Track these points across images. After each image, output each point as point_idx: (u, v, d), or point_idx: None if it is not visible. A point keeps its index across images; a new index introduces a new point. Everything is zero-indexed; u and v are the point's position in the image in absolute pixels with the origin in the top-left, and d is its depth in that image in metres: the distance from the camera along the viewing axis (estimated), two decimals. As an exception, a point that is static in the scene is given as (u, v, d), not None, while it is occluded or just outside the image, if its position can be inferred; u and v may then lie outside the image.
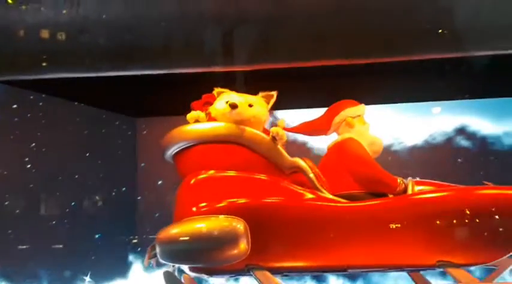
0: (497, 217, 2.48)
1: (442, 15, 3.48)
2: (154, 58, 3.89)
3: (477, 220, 2.48)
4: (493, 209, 2.48)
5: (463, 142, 5.13)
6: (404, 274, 2.85)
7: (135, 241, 5.26)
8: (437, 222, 2.50)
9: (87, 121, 5.06)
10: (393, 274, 3.20)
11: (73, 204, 4.72)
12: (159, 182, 5.40)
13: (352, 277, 4.44)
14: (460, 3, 3.42)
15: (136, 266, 5.21)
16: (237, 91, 2.84)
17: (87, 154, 4.93)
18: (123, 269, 5.17)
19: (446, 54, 3.99)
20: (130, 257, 5.23)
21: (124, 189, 5.29)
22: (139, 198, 5.48)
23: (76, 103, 4.91)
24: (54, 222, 4.60)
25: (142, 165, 5.58)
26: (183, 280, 2.74)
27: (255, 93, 2.79)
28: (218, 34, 3.59)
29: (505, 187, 2.62)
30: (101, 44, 3.66)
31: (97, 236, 4.88)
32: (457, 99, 5.24)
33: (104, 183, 5.15)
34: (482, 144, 5.15)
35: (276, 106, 2.78)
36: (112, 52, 3.74)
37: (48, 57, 3.75)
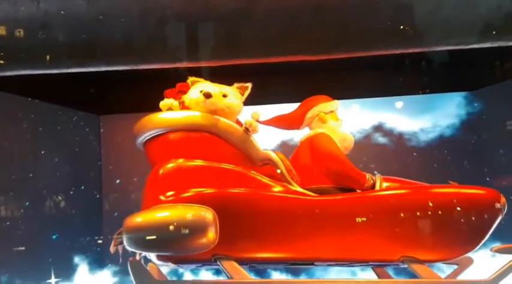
0: (459, 216, 2.54)
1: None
2: (117, 54, 3.83)
3: (440, 218, 2.54)
4: (456, 208, 2.54)
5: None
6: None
7: (100, 241, 5.17)
8: (402, 218, 2.55)
9: (46, 118, 4.89)
10: (336, 268, 3.23)
11: (27, 204, 4.53)
12: (117, 181, 5.32)
13: (295, 272, 4.48)
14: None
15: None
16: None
17: (43, 152, 4.80)
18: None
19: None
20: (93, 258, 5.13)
21: (83, 187, 5.18)
22: (98, 196, 5.37)
23: (31, 99, 4.74)
24: (8, 223, 4.40)
25: (100, 163, 5.49)
26: (148, 269, 2.71)
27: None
28: (184, 29, 3.56)
29: (468, 186, 2.69)
30: (62, 40, 3.58)
31: (54, 236, 4.72)
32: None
33: (65, 181, 5.02)
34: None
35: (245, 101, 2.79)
36: (74, 48, 3.67)
37: (8, 53, 3.66)
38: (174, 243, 2.36)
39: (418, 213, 2.55)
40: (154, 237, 2.35)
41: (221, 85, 2.77)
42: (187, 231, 2.33)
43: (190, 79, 2.81)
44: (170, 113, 2.66)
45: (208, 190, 2.46)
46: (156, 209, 2.39)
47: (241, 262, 2.50)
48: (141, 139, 2.74)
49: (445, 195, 2.62)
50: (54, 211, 4.92)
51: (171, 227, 2.32)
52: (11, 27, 3.47)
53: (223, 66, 3.93)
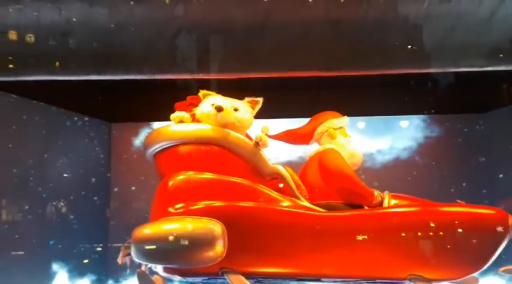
0: (467, 235, 2.54)
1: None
2: (135, 63, 3.88)
3: (448, 237, 2.54)
4: (464, 227, 2.54)
5: None
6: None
7: (99, 248, 5.15)
8: (410, 236, 2.55)
9: (58, 123, 4.93)
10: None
11: (26, 207, 4.50)
12: (133, 188, 5.31)
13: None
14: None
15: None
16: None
17: (47, 156, 4.79)
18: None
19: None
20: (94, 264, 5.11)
21: (91, 194, 5.18)
22: (104, 204, 5.36)
23: (44, 104, 4.78)
24: (6, 226, 4.38)
25: (110, 174, 5.49)
26: (155, 281, 2.72)
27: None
28: (200, 42, 3.60)
29: (476, 206, 2.69)
30: (82, 48, 3.64)
31: (51, 242, 4.70)
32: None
33: (73, 186, 5.01)
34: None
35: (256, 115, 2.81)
36: (93, 56, 3.72)
37: (27, 58, 3.72)
38: (182, 255, 2.37)
39: (426, 232, 2.55)
40: (162, 249, 2.37)
41: (232, 99, 2.80)
42: (195, 244, 2.34)
43: (202, 92, 2.84)
44: (181, 126, 2.68)
45: (217, 203, 2.48)
46: (164, 221, 2.40)
47: (248, 276, 2.50)
48: (151, 150, 2.76)
49: (454, 214, 2.61)
50: (55, 216, 4.87)
51: (179, 239, 2.33)
52: (31, 32, 3.51)
53: (236, 79, 3.95)
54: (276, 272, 2.58)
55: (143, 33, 3.58)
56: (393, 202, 2.78)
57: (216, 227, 2.35)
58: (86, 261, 5.02)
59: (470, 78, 4.36)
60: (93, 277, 5.08)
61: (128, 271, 2.71)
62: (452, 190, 4.96)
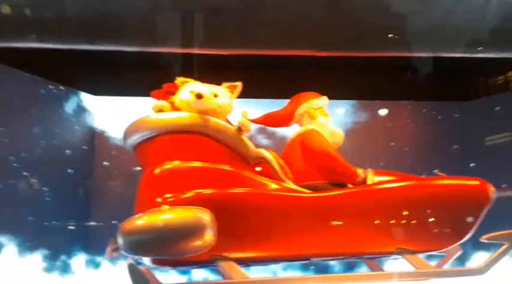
0: (452, 206, 2.62)
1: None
2: (127, 34, 3.76)
3: (434, 210, 2.60)
4: (448, 199, 2.62)
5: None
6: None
7: (71, 227, 4.99)
8: (396, 211, 2.61)
9: (41, 94, 4.67)
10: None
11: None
12: (104, 163, 5.12)
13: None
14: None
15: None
16: (199, 78, 2.81)
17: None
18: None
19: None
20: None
21: (71, 171, 4.94)
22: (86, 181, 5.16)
23: (28, 74, 4.53)
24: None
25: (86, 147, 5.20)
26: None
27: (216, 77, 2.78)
28: (196, 17, 3.52)
29: (458, 177, 2.77)
30: (72, 16, 3.50)
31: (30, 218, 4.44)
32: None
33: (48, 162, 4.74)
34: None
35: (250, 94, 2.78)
36: (84, 25, 3.58)
37: (16, 26, 3.57)
38: (172, 246, 2.33)
39: (411, 206, 2.61)
40: (151, 240, 2.34)
41: (211, 85, 2.75)
42: (184, 234, 2.32)
43: (179, 79, 2.78)
44: (161, 115, 2.63)
45: (206, 191, 2.45)
46: (152, 212, 2.36)
47: (240, 262, 2.51)
48: (131, 141, 2.70)
49: (437, 186, 2.69)
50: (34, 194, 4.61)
51: (168, 230, 2.31)
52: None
53: (231, 55, 3.88)
54: (266, 256, 2.59)
55: (137, 4, 3.45)
56: (376, 178, 2.82)
57: (204, 215, 2.33)
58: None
59: (450, 65, 4.40)
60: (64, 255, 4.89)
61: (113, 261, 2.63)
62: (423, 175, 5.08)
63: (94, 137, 5.21)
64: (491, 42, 3.77)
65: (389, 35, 3.62)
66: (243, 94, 2.79)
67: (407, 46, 3.90)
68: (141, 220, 2.36)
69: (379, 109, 5.31)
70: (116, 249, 2.52)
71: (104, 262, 4.56)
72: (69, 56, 4.45)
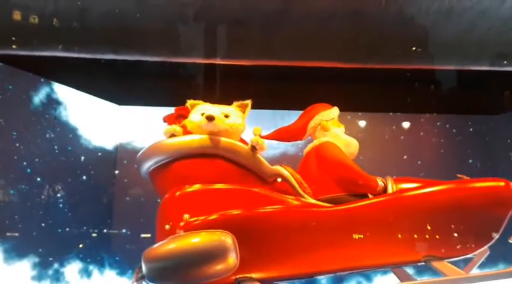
0: (478, 210, 2.56)
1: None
2: (151, 45, 3.78)
3: (460, 214, 2.55)
4: (474, 202, 2.56)
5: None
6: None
7: (94, 235, 4.97)
8: (421, 219, 2.55)
9: (65, 103, 4.68)
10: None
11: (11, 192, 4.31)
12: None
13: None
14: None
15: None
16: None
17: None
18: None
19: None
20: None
21: (91, 176, 4.90)
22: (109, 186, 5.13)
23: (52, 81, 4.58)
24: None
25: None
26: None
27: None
28: (220, 28, 3.53)
29: (481, 179, 2.70)
30: (98, 26, 3.53)
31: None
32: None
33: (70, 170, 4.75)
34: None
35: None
36: (110, 35, 3.61)
37: (42, 35, 3.61)
38: (196, 271, 2.31)
39: (437, 212, 2.55)
40: (175, 267, 2.31)
41: (221, 105, 2.74)
42: (208, 258, 2.29)
43: (189, 102, 2.78)
44: (175, 139, 2.61)
45: (227, 214, 2.42)
46: (175, 238, 2.34)
47: (265, 282, 2.47)
48: (146, 168, 2.69)
49: (462, 190, 2.63)
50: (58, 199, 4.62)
51: (192, 255, 2.29)
52: (49, 10, 3.40)
53: (252, 66, 3.88)
54: (291, 273, 2.55)
55: (161, 15, 3.47)
56: (397, 186, 2.77)
57: (227, 239, 2.30)
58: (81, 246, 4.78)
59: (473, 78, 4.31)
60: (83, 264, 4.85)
61: None
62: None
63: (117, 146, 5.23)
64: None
65: (413, 48, 3.58)
66: (263, 106, 2.76)
67: (431, 59, 3.85)
68: (162, 248, 2.34)
69: (399, 122, 5.29)
70: (142, 278, 2.49)
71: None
72: (93, 65, 4.48)
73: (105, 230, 4.98)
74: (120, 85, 5.18)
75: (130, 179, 5.08)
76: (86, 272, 4.77)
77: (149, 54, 3.96)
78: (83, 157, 4.89)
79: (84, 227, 4.81)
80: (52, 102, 4.66)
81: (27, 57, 4.02)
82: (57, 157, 4.65)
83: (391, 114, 5.33)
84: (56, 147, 4.64)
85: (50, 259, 4.43)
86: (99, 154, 5.06)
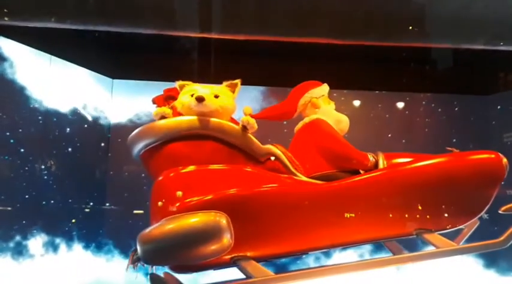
0: (468, 181, 2.60)
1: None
2: (146, 16, 3.70)
3: (450, 187, 2.58)
4: (465, 175, 2.60)
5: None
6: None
7: (87, 210, 4.97)
8: (413, 193, 2.59)
9: (59, 74, 4.59)
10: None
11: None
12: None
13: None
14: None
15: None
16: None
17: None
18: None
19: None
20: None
21: (85, 152, 4.87)
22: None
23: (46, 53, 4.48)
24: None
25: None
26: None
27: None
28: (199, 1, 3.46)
29: (471, 152, 2.73)
30: None
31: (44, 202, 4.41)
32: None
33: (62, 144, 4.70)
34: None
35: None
36: (103, 6, 3.54)
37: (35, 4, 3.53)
38: (191, 252, 2.33)
39: (429, 185, 2.59)
40: (170, 249, 2.33)
41: (211, 86, 2.71)
42: (203, 239, 2.31)
43: (178, 83, 2.75)
44: (165, 121, 2.60)
45: (221, 194, 2.43)
46: (169, 220, 2.35)
47: (260, 259, 2.50)
48: (137, 151, 2.68)
49: (452, 163, 2.66)
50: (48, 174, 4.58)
51: (187, 236, 2.30)
52: None
53: (244, 41, 3.82)
54: (286, 251, 2.58)
55: None
56: (388, 161, 2.79)
57: (221, 219, 2.31)
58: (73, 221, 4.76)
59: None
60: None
61: (136, 276, 2.63)
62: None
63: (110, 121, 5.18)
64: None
65: (409, 27, 3.54)
66: (256, 82, 2.74)
67: (424, 37, 3.82)
68: (157, 230, 2.35)
69: (385, 100, 5.30)
70: (137, 260, 2.51)
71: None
72: (87, 37, 4.42)
73: (91, 204, 4.95)
74: (114, 58, 5.09)
75: (119, 154, 5.03)
76: (52, 246, 4.66)
77: (143, 27, 3.88)
78: (68, 129, 4.79)
79: (70, 201, 4.76)
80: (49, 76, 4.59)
81: (20, 29, 3.91)
82: (42, 128, 4.56)
83: (376, 92, 5.35)
84: (40, 117, 4.55)
85: (34, 231, 4.39)
86: (85, 126, 4.97)
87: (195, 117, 2.58)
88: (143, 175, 4.47)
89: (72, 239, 4.78)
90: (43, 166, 4.54)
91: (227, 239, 2.31)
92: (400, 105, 5.33)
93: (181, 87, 2.73)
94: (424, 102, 5.39)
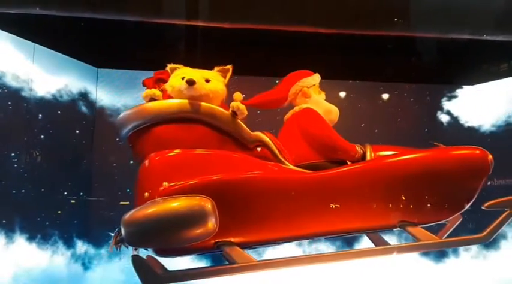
0: (453, 177, 2.62)
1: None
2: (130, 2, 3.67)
3: (435, 181, 2.60)
4: (449, 170, 2.62)
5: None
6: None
7: (72, 201, 4.94)
8: (397, 185, 2.60)
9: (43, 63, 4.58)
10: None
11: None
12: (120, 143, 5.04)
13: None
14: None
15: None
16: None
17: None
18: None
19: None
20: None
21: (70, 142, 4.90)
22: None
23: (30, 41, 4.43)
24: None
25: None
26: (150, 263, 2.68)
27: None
28: None
29: (457, 147, 2.75)
30: None
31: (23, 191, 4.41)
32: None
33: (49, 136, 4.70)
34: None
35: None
36: None
37: None
38: (175, 235, 2.33)
39: (413, 179, 2.60)
40: (154, 231, 2.32)
41: (202, 70, 2.70)
42: (187, 223, 2.31)
43: (169, 66, 2.73)
44: (154, 103, 2.58)
45: (206, 179, 2.43)
46: (154, 203, 2.34)
47: (244, 246, 2.50)
48: (126, 132, 2.66)
49: (437, 158, 2.67)
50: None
51: (171, 219, 2.30)
52: None
53: (232, 29, 3.79)
54: (269, 238, 2.59)
55: None
56: (375, 153, 2.80)
57: (206, 203, 2.31)
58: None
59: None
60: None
61: (120, 258, 2.62)
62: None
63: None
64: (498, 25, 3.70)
65: (395, 19, 3.54)
66: (242, 72, 2.73)
67: (411, 27, 3.83)
68: (141, 212, 2.34)
69: (358, 90, 5.32)
70: (120, 241, 2.50)
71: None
72: (72, 25, 4.35)
73: (65, 193, 4.92)
74: (99, 46, 5.01)
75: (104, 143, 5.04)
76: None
77: (129, 14, 3.84)
78: (40, 115, 4.74)
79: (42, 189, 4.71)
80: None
81: (4, 16, 3.85)
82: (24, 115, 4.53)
83: (350, 81, 5.36)
84: (25, 105, 4.52)
85: (4, 221, 4.36)
86: (59, 112, 4.91)
87: (185, 101, 2.56)
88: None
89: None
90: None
91: (212, 223, 2.31)
92: (385, 96, 5.36)
93: (173, 70, 2.72)
94: (396, 92, 5.46)
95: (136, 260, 2.43)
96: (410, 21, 3.71)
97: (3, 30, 4.18)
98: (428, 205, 2.62)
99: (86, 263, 4.90)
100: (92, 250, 4.94)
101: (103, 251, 4.87)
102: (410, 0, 3.55)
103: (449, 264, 5.01)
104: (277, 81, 3.12)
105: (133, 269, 2.43)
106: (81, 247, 4.91)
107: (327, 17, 3.79)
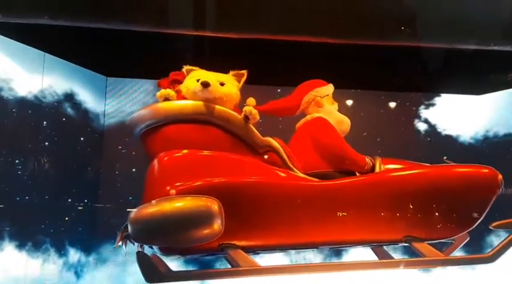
0: (461, 194, 2.60)
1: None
2: (137, 13, 3.72)
3: (442, 198, 2.59)
4: (457, 187, 2.61)
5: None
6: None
7: (80, 208, 4.97)
8: (405, 199, 2.59)
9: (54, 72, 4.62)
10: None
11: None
12: (123, 150, 5.10)
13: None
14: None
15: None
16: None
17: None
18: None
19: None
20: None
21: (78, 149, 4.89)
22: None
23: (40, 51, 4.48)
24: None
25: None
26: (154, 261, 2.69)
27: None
28: None
29: (466, 165, 2.74)
30: None
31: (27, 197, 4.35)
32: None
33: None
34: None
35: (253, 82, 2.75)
36: (96, 2, 3.55)
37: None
38: (181, 235, 2.34)
39: (420, 194, 2.59)
40: (160, 229, 2.34)
41: (217, 73, 2.73)
42: (193, 223, 2.32)
43: (186, 67, 2.76)
44: (168, 103, 2.61)
45: (215, 180, 2.45)
46: (162, 201, 2.37)
47: (248, 250, 2.51)
48: (138, 130, 2.70)
49: (446, 175, 2.66)
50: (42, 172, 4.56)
51: (177, 219, 2.31)
52: None
53: (240, 39, 3.83)
54: (274, 244, 2.59)
55: None
56: (384, 166, 2.80)
57: (213, 204, 2.32)
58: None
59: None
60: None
61: (125, 254, 2.64)
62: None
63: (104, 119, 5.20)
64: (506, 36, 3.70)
65: (402, 28, 3.55)
66: (251, 81, 2.77)
67: (418, 37, 3.83)
68: (150, 209, 2.36)
69: (360, 98, 5.34)
70: (126, 237, 2.52)
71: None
72: (81, 34, 4.37)
73: (69, 200, 4.90)
74: (108, 56, 5.07)
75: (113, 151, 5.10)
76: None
77: (137, 25, 3.90)
78: (45, 122, 4.71)
79: (47, 197, 4.67)
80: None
81: (14, 26, 3.92)
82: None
83: (352, 90, 5.36)
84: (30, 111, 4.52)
85: (7, 228, 4.32)
86: (64, 119, 4.90)
87: (199, 102, 2.59)
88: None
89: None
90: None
91: (218, 224, 2.32)
92: (392, 104, 5.37)
93: (188, 71, 2.75)
94: (398, 101, 5.48)
95: (141, 257, 2.45)
96: (417, 31, 3.72)
97: (13, 39, 4.25)
98: (435, 221, 2.61)
99: (82, 272, 4.94)
100: (97, 256, 4.98)
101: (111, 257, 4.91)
102: (417, 11, 3.56)
103: (436, 273, 4.97)
104: (279, 90, 3.13)
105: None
106: (84, 254, 4.95)
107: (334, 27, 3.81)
